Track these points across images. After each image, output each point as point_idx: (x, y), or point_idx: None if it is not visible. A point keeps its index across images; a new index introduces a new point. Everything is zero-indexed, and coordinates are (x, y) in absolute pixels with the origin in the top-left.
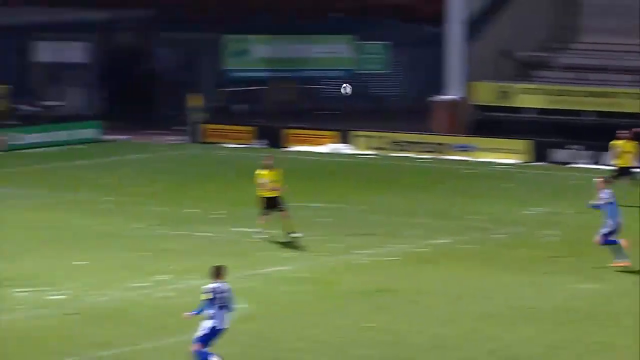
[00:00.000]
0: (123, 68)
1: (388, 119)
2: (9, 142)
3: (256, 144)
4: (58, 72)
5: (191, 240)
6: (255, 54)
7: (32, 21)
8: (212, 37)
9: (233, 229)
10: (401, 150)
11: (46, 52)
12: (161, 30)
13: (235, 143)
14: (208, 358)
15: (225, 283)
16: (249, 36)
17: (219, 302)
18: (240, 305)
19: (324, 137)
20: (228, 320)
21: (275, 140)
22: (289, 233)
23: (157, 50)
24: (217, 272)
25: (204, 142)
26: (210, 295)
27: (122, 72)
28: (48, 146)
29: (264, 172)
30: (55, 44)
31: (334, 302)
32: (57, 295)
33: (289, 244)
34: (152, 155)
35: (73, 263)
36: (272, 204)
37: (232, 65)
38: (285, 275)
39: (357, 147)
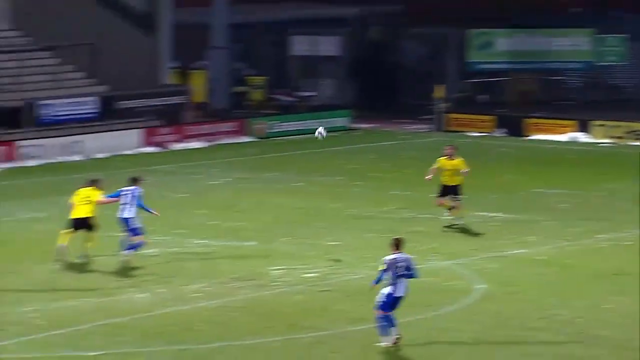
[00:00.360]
0: (372, 61)
1: (626, 109)
2: (267, 130)
3: (497, 133)
4: (312, 64)
5: (436, 223)
6: (498, 47)
7: (289, 17)
8: (457, 31)
9: (475, 213)
10: (638, 139)
11: (301, 45)
12: (408, 24)
13: (477, 132)
14: (391, 322)
15: (403, 254)
16: (493, 30)
17: (398, 271)
18: (480, 286)
19: (563, 126)
20: (405, 288)
21: (515, 129)
22: (450, 218)
23: (404, 43)
24: (397, 244)
25: (448, 131)
26: (385, 266)
27: (371, 65)
28: (302, 134)
29: (444, 160)
30: (310, 38)
31: (572, 283)
32: (310, 273)
33: (528, 228)
34: (398, 143)
35: (325, 243)
36: (449, 191)
37: (476, 57)
38: (525, 257)
39: (595, 136)
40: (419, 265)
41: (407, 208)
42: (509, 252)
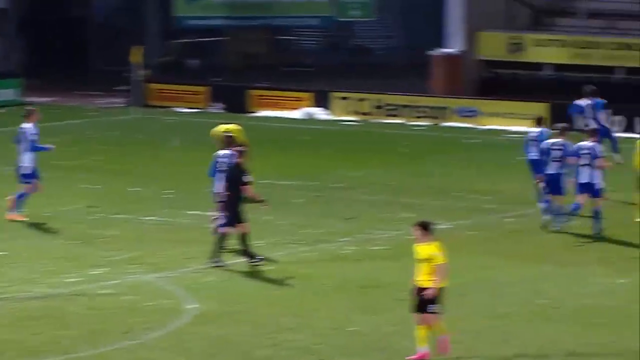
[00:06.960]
0: (48, 13)
1: (375, 77)
2: None
3: (213, 108)
4: None
5: (135, 226)
6: None
7: None
8: None
9: (187, 212)
10: (390, 115)
11: None
12: None
13: (187, 107)
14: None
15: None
16: None
17: None
18: (193, 305)
19: (296, 99)
20: None
21: (236, 103)
22: None
23: None
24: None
25: (149, 106)
26: None
27: (47, 18)
28: None
29: None
30: None
31: (310, 300)
32: None
33: (254, 230)
34: (85, 122)
35: None
36: None
37: (184, 11)
38: (248, 267)
39: (337, 112)
40: (113, 281)
41: (96, 206)
42: (229, 262)
